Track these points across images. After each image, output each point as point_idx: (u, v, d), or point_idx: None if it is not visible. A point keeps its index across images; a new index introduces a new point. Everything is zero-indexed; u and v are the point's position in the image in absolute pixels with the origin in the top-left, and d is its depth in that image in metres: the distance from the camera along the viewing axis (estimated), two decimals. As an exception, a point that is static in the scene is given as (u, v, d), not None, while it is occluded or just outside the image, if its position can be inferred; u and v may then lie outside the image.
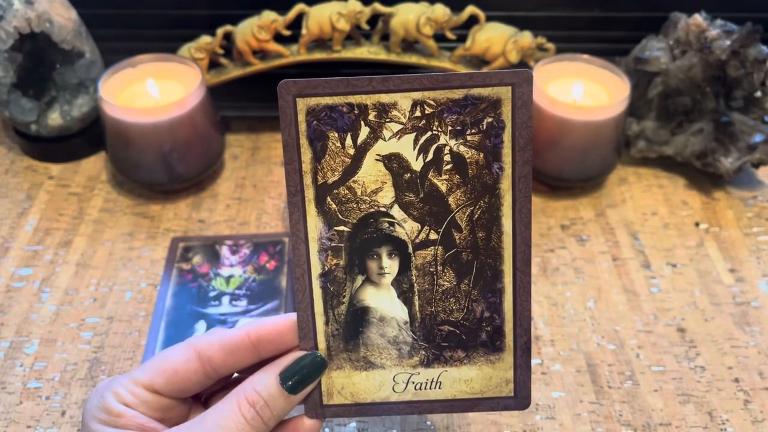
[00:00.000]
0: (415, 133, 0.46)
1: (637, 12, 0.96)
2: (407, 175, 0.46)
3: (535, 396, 0.66)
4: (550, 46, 0.89)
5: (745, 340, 0.71)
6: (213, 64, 0.91)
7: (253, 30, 0.85)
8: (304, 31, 0.86)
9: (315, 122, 0.46)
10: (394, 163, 0.46)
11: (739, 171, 0.85)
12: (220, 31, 0.88)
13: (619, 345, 0.71)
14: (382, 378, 0.49)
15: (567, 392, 0.67)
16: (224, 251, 0.79)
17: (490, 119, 0.46)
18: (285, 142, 0.46)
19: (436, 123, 0.46)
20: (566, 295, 0.75)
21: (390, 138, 0.46)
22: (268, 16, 0.86)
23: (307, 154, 0.46)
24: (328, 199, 0.47)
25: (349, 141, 0.46)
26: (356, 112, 0.46)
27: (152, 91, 0.84)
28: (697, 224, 0.83)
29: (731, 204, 0.86)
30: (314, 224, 0.47)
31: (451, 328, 0.49)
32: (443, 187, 0.47)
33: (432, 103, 0.45)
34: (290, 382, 0.47)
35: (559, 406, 0.66)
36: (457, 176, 0.47)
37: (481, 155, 0.46)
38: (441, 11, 0.85)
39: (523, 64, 0.88)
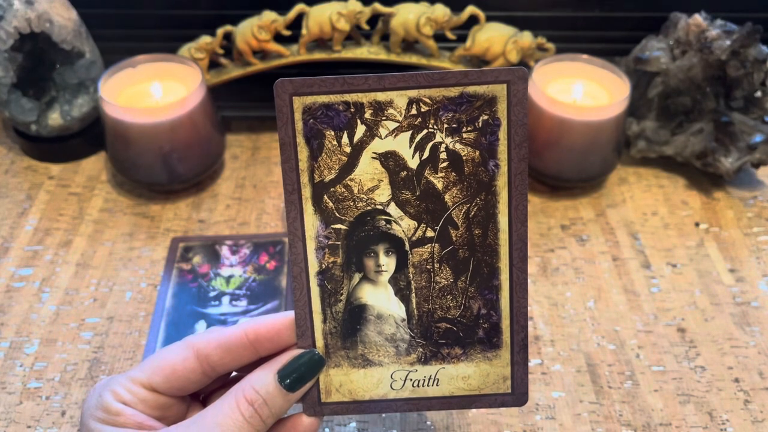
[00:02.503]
0: (411, 131, 0.46)
1: (637, 12, 0.96)
2: (403, 173, 0.47)
3: (535, 396, 0.66)
4: (550, 46, 0.89)
5: (745, 340, 0.71)
6: (213, 64, 0.91)
7: (253, 30, 0.85)
8: (304, 31, 0.86)
9: (311, 121, 0.46)
10: (390, 161, 0.46)
11: (739, 171, 0.85)
12: (220, 31, 0.88)
13: (619, 345, 0.70)
14: (379, 375, 0.49)
15: (567, 392, 0.67)
16: (224, 251, 0.79)
17: (485, 117, 0.46)
18: (282, 141, 0.46)
19: (432, 121, 0.46)
20: (566, 295, 0.75)
21: (386, 136, 0.46)
22: (268, 16, 0.86)
23: (303, 153, 0.46)
24: (325, 197, 0.47)
25: (345, 139, 0.46)
26: (352, 110, 0.46)
27: (152, 91, 0.84)
28: (697, 224, 0.83)
29: (731, 204, 0.86)
30: (311, 222, 0.47)
31: (448, 326, 0.49)
32: (439, 185, 0.47)
33: (428, 101, 0.46)
34: (288, 380, 0.47)
35: (559, 406, 0.65)
36: (453, 174, 0.47)
37: (477, 153, 0.46)
38: (441, 11, 0.85)
39: (523, 64, 0.88)
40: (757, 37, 0.83)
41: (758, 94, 0.85)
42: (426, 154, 0.46)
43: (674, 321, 0.73)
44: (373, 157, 0.47)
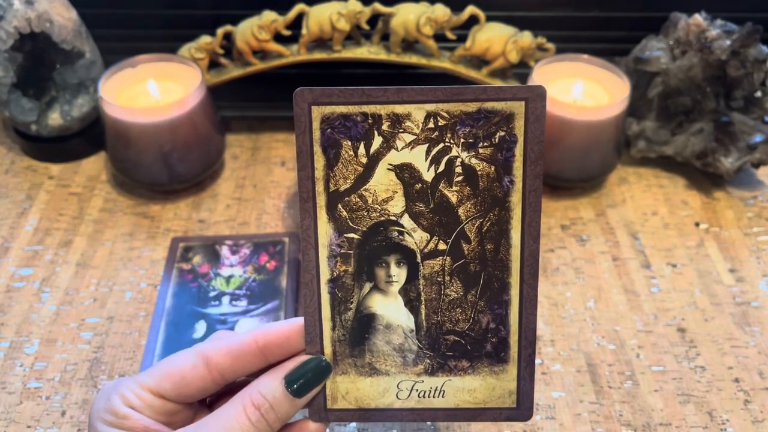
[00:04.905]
0: (427, 144, 0.46)
1: (637, 12, 0.96)
2: (418, 186, 0.47)
3: (535, 396, 0.66)
4: (550, 46, 0.89)
5: (745, 340, 0.71)
6: (213, 64, 0.91)
7: (253, 30, 0.85)
8: (304, 31, 0.86)
9: (329, 130, 0.46)
10: (405, 173, 0.46)
11: (739, 171, 0.85)
12: (220, 31, 0.88)
13: (619, 345, 0.71)
14: (386, 384, 0.49)
15: (567, 392, 0.67)
16: (224, 251, 0.79)
17: (502, 133, 0.46)
18: (299, 149, 0.46)
19: (449, 135, 0.46)
20: (566, 295, 0.76)
21: (402, 148, 0.46)
22: (268, 16, 0.86)
23: (320, 162, 0.46)
24: (339, 206, 0.47)
25: (362, 150, 0.46)
26: (370, 121, 0.46)
27: (152, 91, 0.84)
28: (697, 224, 0.83)
29: (731, 204, 0.86)
30: (325, 230, 0.47)
31: (456, 338, 0.49)
32: (453, 199, 0.47)
33: (445, 115, 0.46)
34: (295, 386, 0.47)
35: (559, 406, 0.66)
36: (467, 188, 0.47)
37: (493, 168, 0.46)
38: (441, 11, 0.85)
39: (523, 64, 0.88)
40: (757, 37, 0.83)
41: (758, 94, 0.85)
42: (441, 167, 0.46)
43: (674, 321, 0.73)
44: (389, 169, 0.47)
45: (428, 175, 0.47)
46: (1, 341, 0.71)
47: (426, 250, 0.48)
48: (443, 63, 0.88)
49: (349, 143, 0.46)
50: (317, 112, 0.46)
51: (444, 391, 0.50)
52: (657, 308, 0.74)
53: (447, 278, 0.48)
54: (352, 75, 0.97)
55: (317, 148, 0.46)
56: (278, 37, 0.87)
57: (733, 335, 0.72)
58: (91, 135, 0.91)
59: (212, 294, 0.74)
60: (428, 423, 0.64)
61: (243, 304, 0.74)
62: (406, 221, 0.47)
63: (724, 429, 0.64)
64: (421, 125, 0.46)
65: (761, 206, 0.86)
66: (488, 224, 0.47)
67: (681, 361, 0.69)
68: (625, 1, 0.96)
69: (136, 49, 0.86)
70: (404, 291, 0.48)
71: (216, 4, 0.95)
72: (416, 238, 0.47)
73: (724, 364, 0.69)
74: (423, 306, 0.48)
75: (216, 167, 0.88)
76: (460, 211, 0.47)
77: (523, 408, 0.50)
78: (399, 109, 0.46)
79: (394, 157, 0.46)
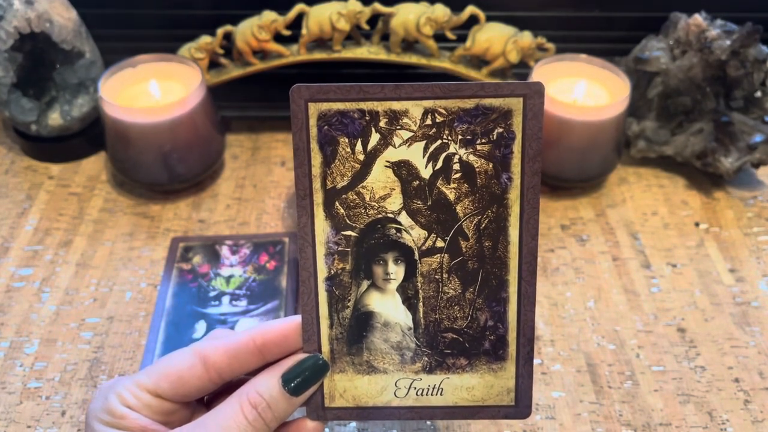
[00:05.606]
0: (425, 141, 0.46)
1: (637, 12, 0.96)
2: (416, 183, 0.47)
3: (535, 396, 0.66)
4: (550, 46, 0.89)
5: (745, 340, 0.71)
6: (213, 64, 0.91)
7: (253, 30, 0.85)
8: (304, 31, 0.86)
9: (326, 127, 0.46)
10: (403, 170, 0.46)
11: (739, 171, 0.85)
12: (220, 31, 0.88)
13: (619, 345, 0.71)
14: (384, 382, 0.49)
15: (567, 392, 0.67)
16: (224, 251, 0.79)
17: (500, 130, 0.46)
18: (295, 146, 0.46)
19: (447, 132, 0.46)
20: (566, 295, 0.76)
21: (400, 145, 0.46)
22: (268, 16, 0.86)
23: (317, 159, 0.46)
24: (337, 203, 0.47)
25: (359, 147, 0.46)
26: (367, 118, 0.46)
27: (152, 91, 0.84)
28: (697, 224, 0.83)
29: (731, 204, 0.86)
30: (322, 228, 0.47)
31: (454, 336, 0.49)
32: (451, 196, 0.47)
33: (443, 111, 0.46)
34: (292, 384, 0.47)
35: (559, 406, 0.66)
36: (465, 185, 0.47)
37: (491, 165, 0.46)
38: (441, 11, 0.85)
39: (523, 64, 0.88)
40: (757, 37, 0.83)
41: (758, 94, 0.85)
42: (439, 164, 0.46)
43: (674, 321, 0.73)
44: (386, 166, 0.46)
45: (426, 172, 0.47)
46: (1, 341, 0.71)
47: (424, 248, 0.48)
48: (443, 63, 0.88)
49: (347, 140, 0.46)
50: (314, 109, 0.46)
51: (442, 389, 0.50)
52: (657, 308, 0.74)
53: (445, 276, 0.48)
54: (352, 75, 0.97)
55: (314, 145, 0.46)
56: (278, 37, 0.88)
57: (733, 335, 0.72)
58: (91, 135, 0.91)
59: (212, 294, 0.74)
60: (427, 422, 0.64)
61: (243, 304, 0.74)
62: (404, 218, 0.47)
63: (724, 429, 0.64)
64: (418, 122, 0.46)
65: (761, 206, 0.86)
66: (486, 221, 0.47)
67: (681, 361, 0.69)
68: (625, 1, 0.96)
69: (136, 49, 0.86)
70: (402, 288, 0.48)
71: (216, 4, 0.95)
72: (414, 235, 0.47)
73: (724, 364, 0.69)
74: (421, 303, 0.48)
75: (216, 167, 0.88)
76: (458, 208, 0.47)
77: (521, 406, 0.50)
78: (396, 105, 0.46)
79: (391, 154, 0.46)
